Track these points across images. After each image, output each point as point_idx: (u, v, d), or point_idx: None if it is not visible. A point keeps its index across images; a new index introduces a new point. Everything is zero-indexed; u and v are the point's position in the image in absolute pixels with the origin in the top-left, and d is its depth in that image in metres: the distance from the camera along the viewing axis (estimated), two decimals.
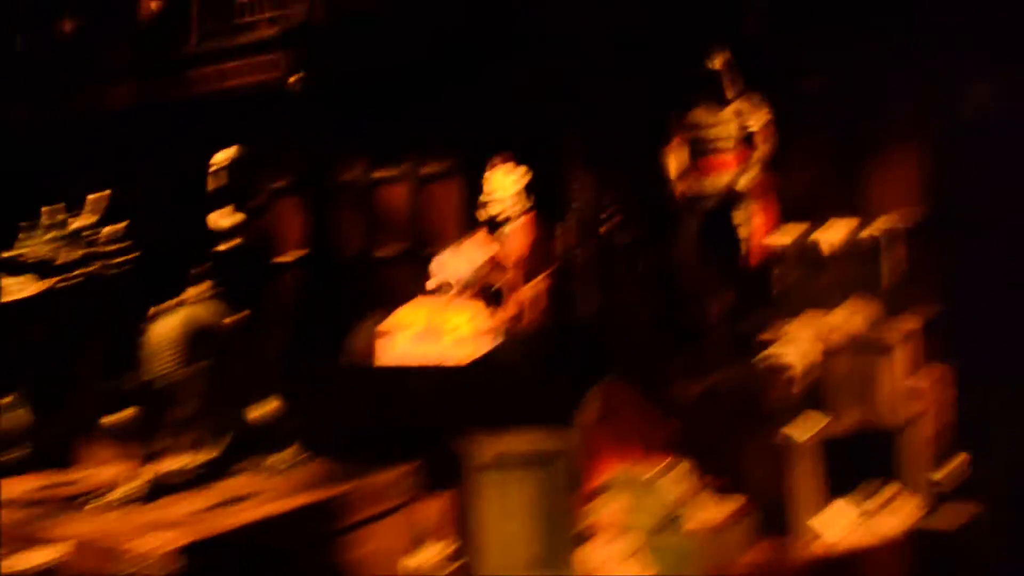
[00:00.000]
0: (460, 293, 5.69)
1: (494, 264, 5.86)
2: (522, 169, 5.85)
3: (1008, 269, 5.15)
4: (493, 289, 5.82)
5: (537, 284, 5.83)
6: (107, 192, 2.95)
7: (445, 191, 6.88)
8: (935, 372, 4.87)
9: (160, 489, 3.04)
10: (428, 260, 6.47)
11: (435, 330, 5.19)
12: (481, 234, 5.94)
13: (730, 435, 4.47)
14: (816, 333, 4.53)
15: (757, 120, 5.28)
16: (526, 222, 5.88)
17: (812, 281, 5.08)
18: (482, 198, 5.85)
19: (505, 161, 5.87)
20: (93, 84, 7.11)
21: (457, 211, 6.77)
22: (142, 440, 3.05)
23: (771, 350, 4.36)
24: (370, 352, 5.31)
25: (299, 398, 4.34)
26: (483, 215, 5.86)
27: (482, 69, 6.23)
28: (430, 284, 5.65)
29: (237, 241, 4.89)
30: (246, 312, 4.00)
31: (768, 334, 4.62)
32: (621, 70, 6.00)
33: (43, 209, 2.76)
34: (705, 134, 5.35)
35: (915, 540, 4.26)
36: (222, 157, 4.88)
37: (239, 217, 4.96)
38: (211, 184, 4.85)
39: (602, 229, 6.17)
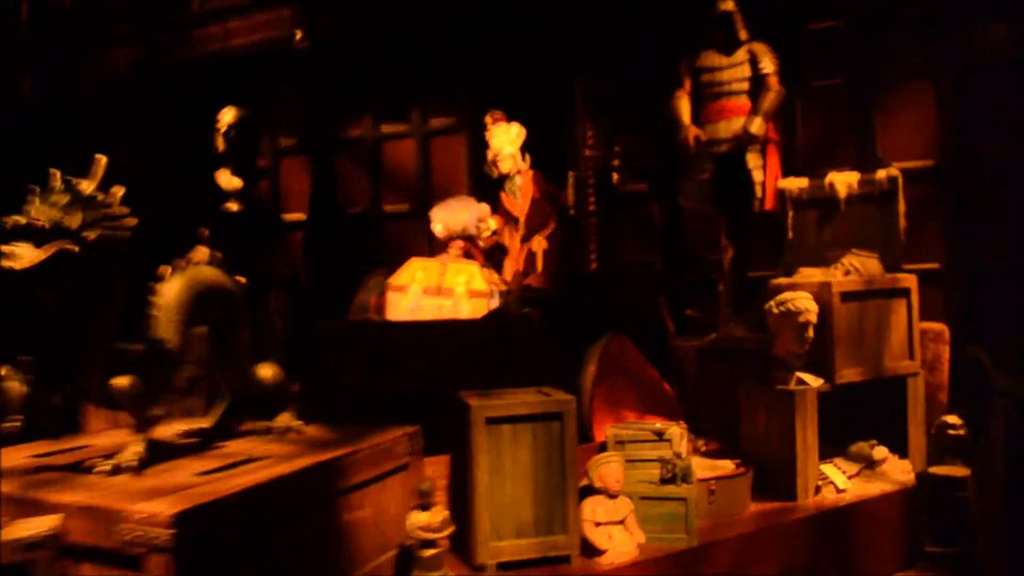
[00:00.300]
0: (463, 248, 5.66)
1: (498, 220, 5.80)
2: (517, 125, 5.75)
3: None
4: (493, 245, 5.78)
5: (542, 239, 5.75)
6: (108, 156, 2.87)
7: (451, 146, 6.81)
8: (943, 321, 4.84)
9: (161, 454, 2.98)
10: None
11: (442, 287, 5.14)
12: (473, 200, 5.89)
13: (734, 389, 4.42)
14: (830, 278, 4.44)
15: (769, 62, 5.19)
16: (530, 178, 5.81)
17: (826, 225, 5.01)
18: (490, 153, 5.77)
19: (497, 119, 5.77)
20: (98, 52, 7.07)
21: (464, 166, 6.73)
22: (145, 405, 2.97)
23: (784, 296, 4.25)
24: (380, 307, 5.27)
25: (307, 356, 4.37)
26: (493, 171, 5.78)
27: (485, 19, 6.17)
28: (437, 231, 5.58)
29: (244, 201, 5.04)
30: (254, 272, 3.91)
31: (781, 279, 4.56)
32: (627, 13, 5.94)
33: (51, 171, 2.69)
34: (716, 77, 5.26)
35: (919, 489, 4.24)
36: (228, 117, 4.96)
37: (246, 176, 5.08)
38: (218, 144, 4.92)
39: (611, 179, 6.14)
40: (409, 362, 4.37)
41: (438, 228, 5.62)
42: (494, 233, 5.76)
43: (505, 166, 5.73)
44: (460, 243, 5.61)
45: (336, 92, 6.94)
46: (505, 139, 5.73)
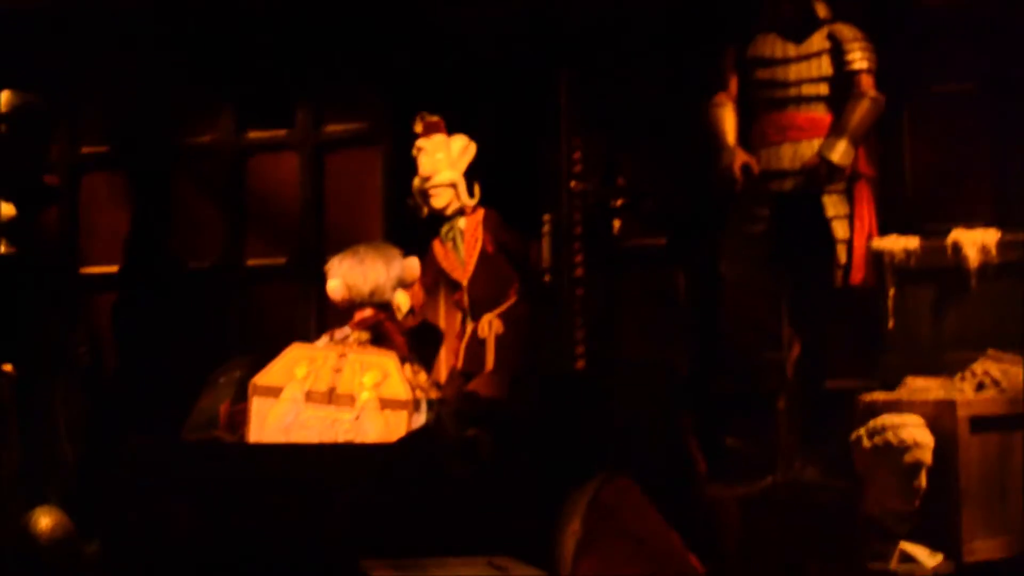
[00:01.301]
0: (371, 322, 5.62)
1: (417, 289, 5.86)
2: (462, 139, 5.83)
3: None
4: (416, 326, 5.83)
5: (495, 319, 5.80)
6: None
7: (357, 166, 6.86)
8: None
9: None
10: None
11: (337, 391, 5.13)
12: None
13: (800, 566, 4.44)
14: (953, 393, 4.48)
15: (861, 54, 5.28)
16: (479, 221, 5.87)
17: (948, 310, 5.08)
18: (418, 179, 5.82)
19: (431, 127, 5.84)
20: None
21: (377, 198, 6.74)
22: None
23: (882, 421, 4.28)
24: (235, 421, 5.25)
25: (113, 500, 4.42)
26: (421, 207, 5.86)
27: None
28: (334, 292, 5.60)
29: (18, 240, 5.10)
30: (29, 357, 4.13)
31: (877, 394, 4.59)
32: None
33: None
34: (778, 75, 5.37)
35: None
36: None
37: (24, 202, 5.13)
38: None
39: (611, 227, 6.15)
40: (280, 510, 4.36)
41: (334, 286, 5.61)
42: (410, 313, 5.79)
43: (440, 200, 5.78)
44: (369, 314, 5.59)
45: (177, 72, 6.96)
46: (442, 158, 5.78)
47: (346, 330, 5.60)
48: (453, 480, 4.50)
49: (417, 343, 5.76)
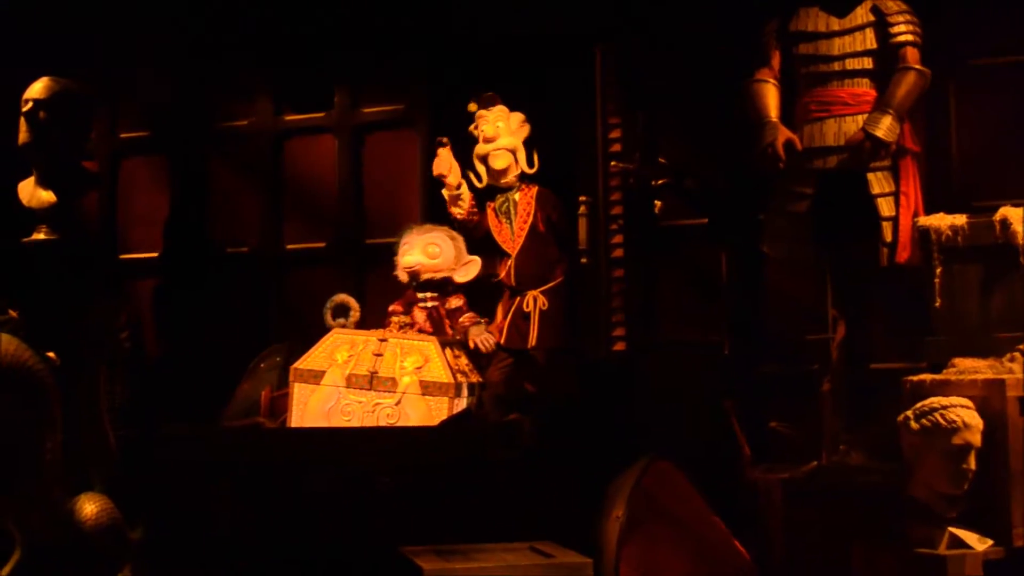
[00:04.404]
0: (421, 311, 5.74)
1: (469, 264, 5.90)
2: (520, 116, 5.87)
3: None
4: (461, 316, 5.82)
5: (541, 296, 5.82)
6: None
7: (396, 148, 6.86)
8: None
9: None
10: (368, 257, 6.57)
11: (378, 375, 5.18)
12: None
13: (846, 550, 4.43)
14: (1003, 373, 4.42)
15: (906, 26, 5.22)
16: (532, 196, 5.91)
17: (996, 289, 4.97)
18: (479, 145, 5.88)
19: (493, 100, 5.90)
20: None
21: (416, 180, 6.73)
22: None
23: (929, 403, 4.22)
24: (276, 407, 5.33)
25: (156, 487, 4.47)
26: (481, 175, 5.89)
27: None
28: (412, 264, 5.72)
29: (60, 226, 5.00)
30: (71, 344, 4.07)
31: (924, 375, 4.55)
32: None
33: None
34: (821, 49, 5.31)
35: None
36: (38, 91, 4.91)
37: (64, 188, 5.04)
38: (22, 134, 4.90)
39: (651, 208, 6.08)
40: (321, 496, 4.43)
41: (415, 259, 5.72)
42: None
43: (500, 161, 5.87)
44: (431, 299, 5.73)
45: (216, 57, 7.00)
46: (503, 127, 5.89)
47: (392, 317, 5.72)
48: (495, 464, 4.57)
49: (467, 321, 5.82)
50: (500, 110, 5.91)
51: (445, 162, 5.87)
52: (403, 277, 5.81)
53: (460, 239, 5.85)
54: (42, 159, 4.99)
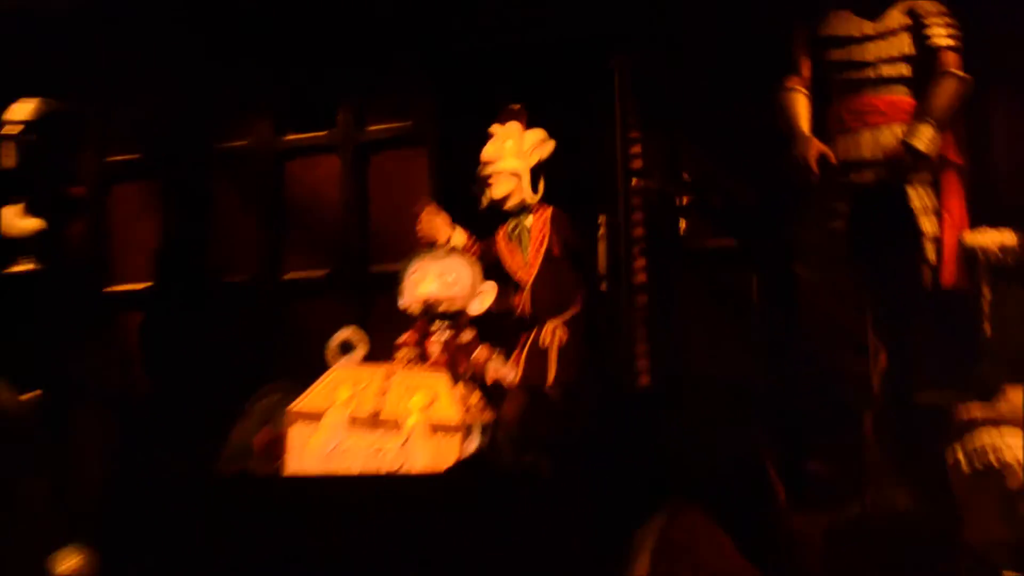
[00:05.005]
0: (436, 344, 5.54)
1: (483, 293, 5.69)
2: (539, 133, 5.77)
3: None
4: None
5: (560, 326, 5.70)
6: None
7: (404, 168, 6.81)
8: None
9: None
10: (374, 286, 6.54)
11: (382, 415, 5.03)
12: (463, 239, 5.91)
13: None
14: None
15: (943, 29, 5.19)
16: (546, 220, 5.80)
17: None
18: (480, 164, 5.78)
19: (513, 115, 5.80)
20: None
21: (424, 199, 6.54)
22: None
23: (981, 439, 4.10)
24: (273, 450, 5.16)
25: (143, 536, 4.27)
26: (484, 195, 5.80)
27: None
28: (428, 293, 5.50)
29: (45, 255, 5.12)
30: (56, 381, 4.26)
31: (974, 408, 4.37)
32: None
33: None
34: (855, 55, 5.29)
35: None
36: (24, 112, 5.13)
37: (50, 214, 5.17)
38: (6, 158, 5.09)
39: (676, 227, 6.14)
40: (320, 548, 4.27)
41: (430, 289, 5.48)
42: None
43: (500, 188, 5.73)
44: (446, 332, 5.51)
45: (211, 73, 6.98)
46: (510, 147, 5.74)
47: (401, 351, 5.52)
48: (508, 512, 4.38)
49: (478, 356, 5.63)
50: (513, 128, 5.78)
51: (428, 226, 5.81)
52: (414, 308, 5.59)
53: (478, 266, 5.67)
54: (28, 184, 5.10)
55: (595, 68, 6.11)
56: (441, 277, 5.53)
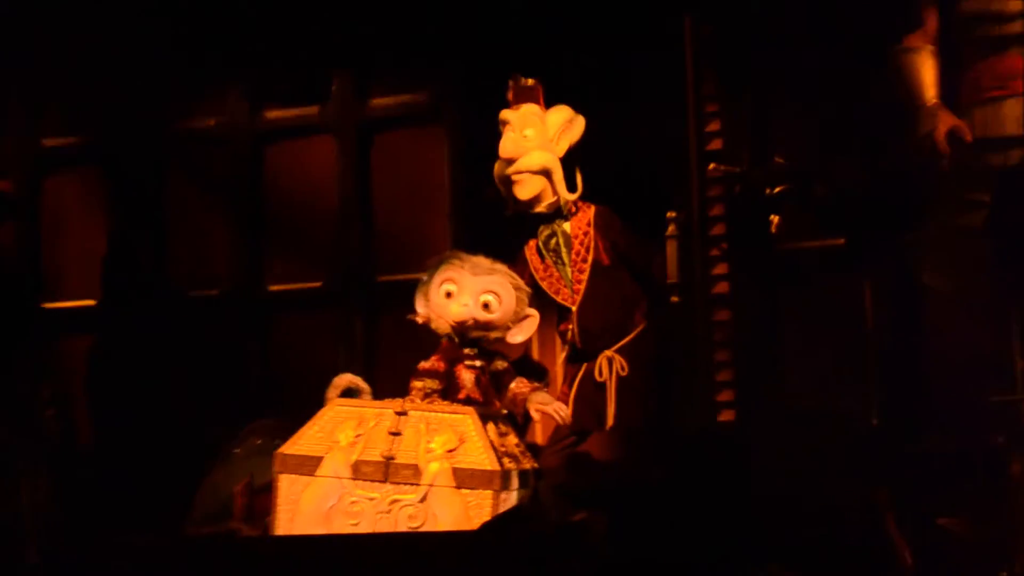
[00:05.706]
0: (469, 372, 5.51)
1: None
2: (564, 111, 5.74)
3: None
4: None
5: (618, 358, 5.70)
6: None
7: (417, 152, 6.89)
8: None
9: None
10: (380, 300, 6.59)
11: (395, 461, 5.03)
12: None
13: None
14: None
15: None
16: (589, 220, 5.78)
17: None
18: (499, 163, 5.74)
19: (526, 95, 5.76)
20: None
21: (441, 191, 6.79)
22: None
23: None
24: (254, 507, 5.26)
25: None
26: (508, 201, 5.79)
27: None
28: (443, 324, 5.49)
29: None
30: None
31: None
32: None
33: None
34: (994, 7, 5.33)
35: None
36: None
37: None
38: None
39: (767, 225, 6.08)
40: None
41: (466, 311, 5.44)
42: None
43: (526, 189, 5.71)
44: (478, 360, 5.51)
45: (169, 36, 7.01)
46: (532, 136, 5.72)
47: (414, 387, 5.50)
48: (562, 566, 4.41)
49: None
50: (530, 111, 5.75)
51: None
52: (443, 328, 5.53)
53: (524, 288, 5.59)
54: None
55: (660, 25, 6.19)
56: (480, 297, 5.50)
